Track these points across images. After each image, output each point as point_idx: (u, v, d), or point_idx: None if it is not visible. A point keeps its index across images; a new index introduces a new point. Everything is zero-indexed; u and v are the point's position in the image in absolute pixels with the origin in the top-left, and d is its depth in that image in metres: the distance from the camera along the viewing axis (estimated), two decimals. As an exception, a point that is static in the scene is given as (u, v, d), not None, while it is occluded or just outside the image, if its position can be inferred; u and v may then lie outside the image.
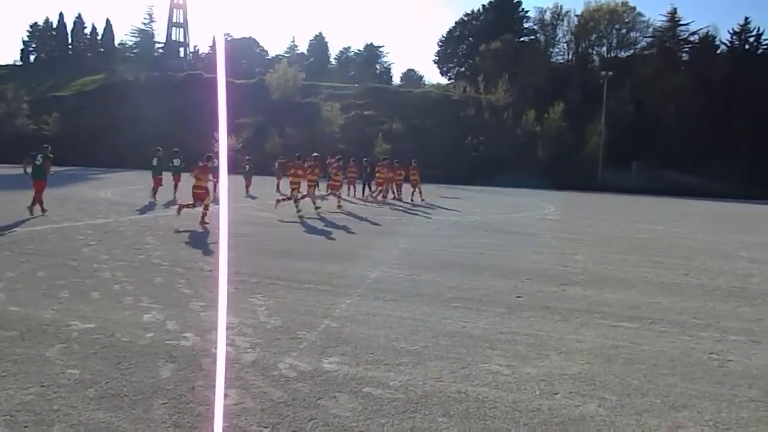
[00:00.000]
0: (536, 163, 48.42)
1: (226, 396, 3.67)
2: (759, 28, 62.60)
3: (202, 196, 13.18)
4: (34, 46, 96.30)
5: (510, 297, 6.80)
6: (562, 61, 70.70)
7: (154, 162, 19.82)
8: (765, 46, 62.59)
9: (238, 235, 11.11)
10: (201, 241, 10.57)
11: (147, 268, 7.66)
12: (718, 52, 63.05)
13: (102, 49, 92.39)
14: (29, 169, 13.80)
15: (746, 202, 35.62)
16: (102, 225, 12.04)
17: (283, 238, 11.50)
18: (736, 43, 63.15)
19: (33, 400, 3.53)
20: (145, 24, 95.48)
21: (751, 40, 62.84)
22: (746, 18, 63.02)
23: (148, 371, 4.06)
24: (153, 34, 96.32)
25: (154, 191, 19.40)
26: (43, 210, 13.14)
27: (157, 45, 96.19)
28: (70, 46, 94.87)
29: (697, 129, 50.44)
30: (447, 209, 20.57)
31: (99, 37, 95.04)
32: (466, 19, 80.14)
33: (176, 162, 21.14)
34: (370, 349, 4.72)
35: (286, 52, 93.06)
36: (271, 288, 6.73)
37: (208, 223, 12.67)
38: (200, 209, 13.02)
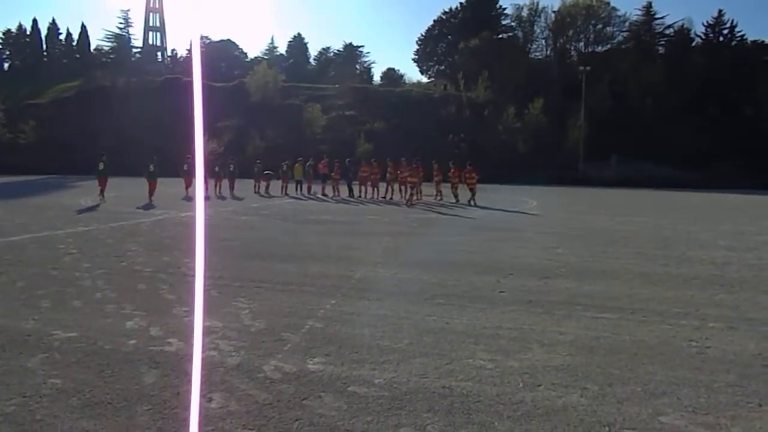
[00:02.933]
0: (517, 158, 48.78)
1: (210, 400, 3.68)
2: (732, 20, 63.70)
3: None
4: (8, 53, 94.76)
5: (493, 292, 6.86)
6: (540, 57, 71.33)
7: (100, 166, 21.58)
8: (739, 38, 63.62)
9: (221, 239, 11.07)
10: (184, 246, 10.50)
11: (129, 275, 7.60)
12: (693, 44, 64.02)
13: (78, 55, 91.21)
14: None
15: (723, 192, 36.19)
16: (82, 233, 11.91)
17: (266, 240, 11.47)
18: (711, 35, 64.14)
19: (15, 411, 3.49)
20: (121, 28, 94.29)
21: (725, 32, 63.84)
22: (720, 11, 64.10)
23: (132, 378, 4.04)
24: (130, 38, 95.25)
25: (101, 192, 21.11)
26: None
27: (135, 49, 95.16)
28: (45, 53, 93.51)
29: (674, 121, 51.16)
30: (429, 207, 20.64)
31: (74, 43, 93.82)
32: (444, 17, 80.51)
33: (151, 167, 21.86)
34: (355, 348, 4.74)
35: (265, 54, 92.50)
36: (255, 291, 6.72)
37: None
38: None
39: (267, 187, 27.33)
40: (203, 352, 4.56)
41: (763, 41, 63.88)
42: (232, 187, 26.00)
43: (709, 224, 15.92)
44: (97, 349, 4.64)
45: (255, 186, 27.49)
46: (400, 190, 22.94)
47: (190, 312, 5.74)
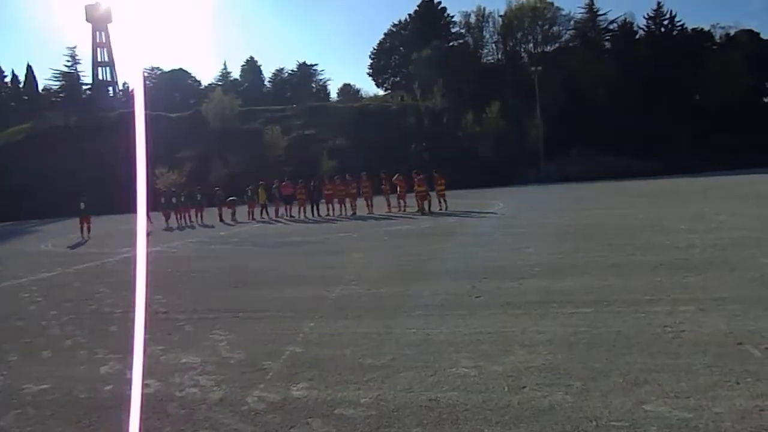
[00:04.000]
0: (480, 162, 49.39)
1: (195, 439, 3.59)
2: (671, 11, 66.05)
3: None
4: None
5: (470, 298, 6.90)
6: (492, 61, 72.68)
7: (81, 206, 22.88)
8: (679, 28, 65.99)
9: (192, 270, 10.89)
10: (153, 283, 10.29)
11: (99, 318, 7.40)
12: (638, 37, 66.14)
13: (26, 97, 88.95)
14: None
15: (680, 177, 37.26)
16: (47, 279, 11.57)
17: (238, 268, 11.32)
18: (653, 27, 66.36)
19: (-9, 474, 3.36)
20: (68, 66, 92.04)
21: (666, 23, 66.12)
22: (658, 2, 66.45)
23: (112, 425, 3.93)
24: (79, 75, 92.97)
25: (82, 230, 22.05)
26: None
27: (85, 86, 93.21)
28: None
29: (628, 112, 52.65)
30: (398, 218, 20.70)
31: (21, 85, 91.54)
32: (394, 29, 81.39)
33: (81, 205, 22.87)
34: (338, 369, 4.70)
35: (219, 80, 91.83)
36: (231, 321, 6.62)
37: None
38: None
39: (233, 214, 27.06)
40: (181, 390, 4.46)
41: (702, 28, 66.48)
42: (200, 216, 26.30)
43: (669, 210, 16.36)
44: (72, 399, 4.49)
45: (219, 214, 27.15)
46: (398, 203, 23.94)
47: (167, 350, 5.62)
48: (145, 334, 6.32)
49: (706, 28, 67.19)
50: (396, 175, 24.28)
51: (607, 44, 67.89)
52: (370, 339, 5.50)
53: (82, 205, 22.76)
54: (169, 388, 4.54)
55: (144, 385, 4.65)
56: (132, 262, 13.30)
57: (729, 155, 48.10)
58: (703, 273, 7.32)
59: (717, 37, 66.76)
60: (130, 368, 5.10)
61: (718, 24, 67.60)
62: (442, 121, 56.98)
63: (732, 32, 66.68)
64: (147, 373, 4.97)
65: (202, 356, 5.32)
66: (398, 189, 24.15)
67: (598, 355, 4.57)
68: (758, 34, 67.06)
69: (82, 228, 22.05)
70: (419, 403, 3.90)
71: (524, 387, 4.05)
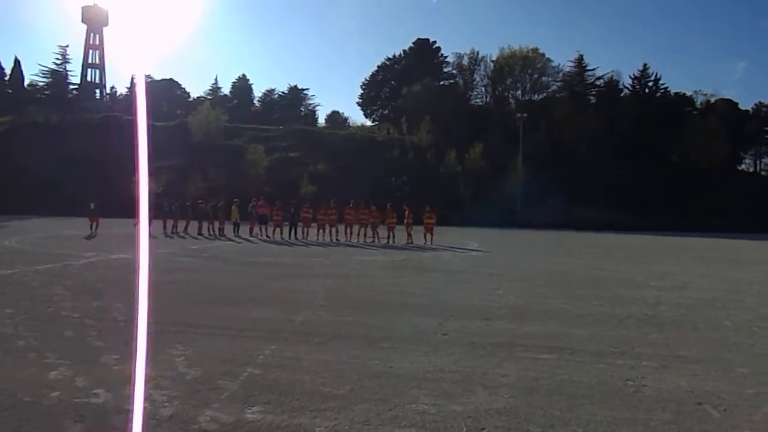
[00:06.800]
0: (459, 201, 49.80)
1: (139, 455, 3.45)
2: (656, 73, 68.32)
3: None
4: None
5: (435, 335, 6.85)
6: (480, 103, 74.04)
7: (92, 206, 25.70)
8: (663, 90, 68.16)
9: (159, 282, 10.65)
10: (115, 290, 10.04)
11: (55, 321, 7.17)
12: (622, 95, 68.08)
13: (10, 90, 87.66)
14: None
15: (653, 234, 37.94)
16: (5, 276, 11.22)
17: (206, 283, 11.13)
18: (637, 87, 68.47)
19: None
20: (58, 64, 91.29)
21: (650, 84, 68.26)
22: (644, 64, 68.75)
23: (53, 433, 3.77)
24: (67, 74, 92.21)
25: (92, 227, 24.76)
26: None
27: (72, 86, 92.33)
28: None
29: (607, 166, 53.75)
30: (374, 249, 20.65)
31: (6, 78, 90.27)
32: (387, 63, 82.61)
33: (92, 205, 25.40)
34: (295, 395, 4.60)
35: (209, 94, 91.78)
36: (192, 336, 6.46)
37: None
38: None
39: (202, 229, 26.86)
40: (133, 403, 4.31)
41: (684, 93, 68.73)
42: (175, 225, 26.71)
43: (640, 265, 16.58)
44: (16, 402, 4.31)
45: (199, 227, 26.87)
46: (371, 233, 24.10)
47: (121, 360, 5.45)
48: (101, 341, 6.15)
49: (688, 93, 69.50)
50: (370, 206, 24.85)
51: (593, 98, 69.64)
52: (331, 367, 5.40)
53: (92, 206, 25.67)
54: (118, 400, 4.38)
55: (92, 395, 4.50)
56: (99, 267, 13.02)
57: (702, 218, 49.23)
58: (668, 330, 7.39)
59: (698, 103, 68.98)
60: (82, 376, 4.94)
61: (699, 91, 69.95)
62: (426, 157, 57.53)
63: (712, 100, 69.01)
64: (97, 382, 4.81)
65: (158, 370, 5.16)
66: (371, 220, 24.38)
67: (558, 403, 4.54)
68: (737, 103, 69.63)
69: (91, 225, 24.79)
70: (374, 437, 3.81)
71: (483, 429, 4.00)
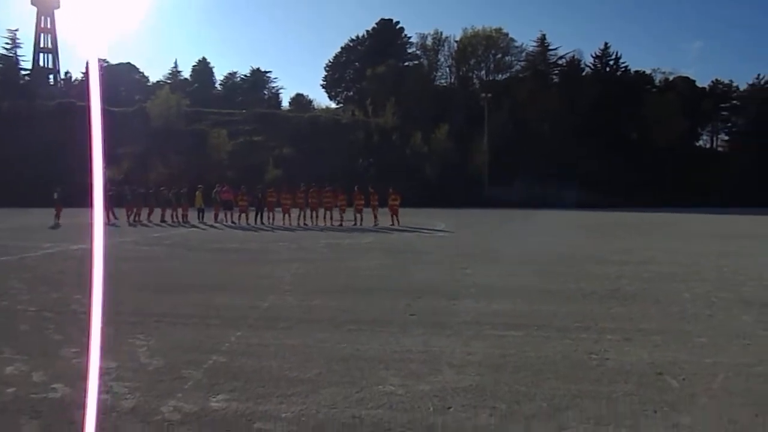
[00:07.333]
0: (425, 182, 49.95)
1: (99, 449, 3.35)
2: (617, 52, 69.23)
3: None
4: None
5: (403, 315, 6.85)
6: (445, 84, 73.90)
7: (55, 195, 24.92)
8: (623, 68, 69.21)
9: (120, 271, 10.39)
10: (74, 281, 9.76)
11: (10, 315, 6.92)
12: (584, 74, 68.87)
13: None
14: None
15: (616, 211, 38.77)
16: (-42, 270, 10.80)
17: (169, 271, 10.92)
18: (599, 65, 69.34)
19: None
20: (7, 49, 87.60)
21: (611, 62, 69.22)
22: (606, 44, 69.58)
23: (9, 431, 3.63)
24: (18, 60, 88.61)
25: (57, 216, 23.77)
26: None
27: (23, 72, 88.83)
28: None
29: (571, 144, 54.50)
30: (341, 232, 20.57)
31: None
32: (351, 44, 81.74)
33: (55, 195, 24.43)
34: (261, 381, 4.53)
35: (168, 78, 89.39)
36: (154, 326, 6.32)
37: None
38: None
39: (165, 216, 26.38)
40: (86, 397, 4.19)
41: (644, 71, 69.89)
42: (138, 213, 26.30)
43: (603, 241, 16.93)
44: (-33, 400, 4.14)
45: (162, 215, 26.39)
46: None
47: (80, 353, 5.28)
48: (59, 334, 5.96)
49: (648, 72, 70.72)
50: (334, 188, 24.95)
51: (555, 78, 70.30)
52: (297, 351, 5.35)
53: (56, 195, 24.92)
54: (77, 394, 4.24)
55: (50, 390, 4.36)
56: (57, 258, 12.64)
57: (662, 193, 50.55)
58: (630, 304, 7.54)
59: (657, 81, 70.26)
60: (39, 371, 4.78)
61: (658, 69, 71.22)
62: (391, 139, 57.42)
63: (671, 78, 70.37)
64: (55, 377, 4.66)
65: (119, 361, 5.03)
66: (338, 203, 24.36)
67: (525, 379, 4.58)
68: (694, 81, 71.16)
69: (57, 214, 23.94)
70: (342, 420, 3.79)
71: (450, 408, 4.00)
